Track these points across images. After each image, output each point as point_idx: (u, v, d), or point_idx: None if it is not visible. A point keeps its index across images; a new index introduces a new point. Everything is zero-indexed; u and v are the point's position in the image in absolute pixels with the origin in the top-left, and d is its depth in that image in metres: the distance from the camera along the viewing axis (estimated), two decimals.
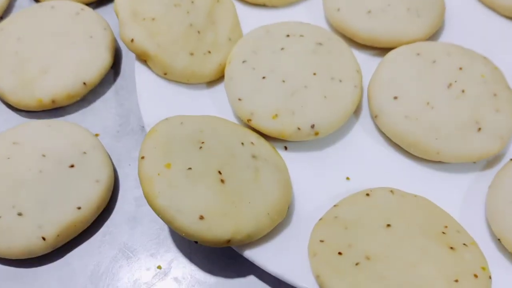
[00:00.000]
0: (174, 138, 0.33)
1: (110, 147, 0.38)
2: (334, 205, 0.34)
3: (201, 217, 0.30)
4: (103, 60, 0.39)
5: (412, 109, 0.36)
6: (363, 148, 0.37)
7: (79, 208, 0.34)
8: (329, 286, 0.30)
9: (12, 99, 0.38)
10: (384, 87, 0.37)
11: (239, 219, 0.31)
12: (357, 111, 0.38)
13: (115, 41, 0.41)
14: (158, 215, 0.30)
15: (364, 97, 0.39)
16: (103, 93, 0.41)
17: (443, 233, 0.32)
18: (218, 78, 0.40)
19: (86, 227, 0.34)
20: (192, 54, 0.38)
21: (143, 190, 0.31)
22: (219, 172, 0.32)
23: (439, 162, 0.36)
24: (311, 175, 0.36)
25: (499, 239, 0.32)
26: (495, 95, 0.36)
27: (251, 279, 0.33)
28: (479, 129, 0.35)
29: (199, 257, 0.34)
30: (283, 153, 0.36)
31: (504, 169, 0.35)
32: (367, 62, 0.40)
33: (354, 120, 0.38)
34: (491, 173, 0.36)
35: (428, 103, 0.36)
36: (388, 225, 0.32)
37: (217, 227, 0.30)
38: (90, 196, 0.34)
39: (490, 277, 0.30)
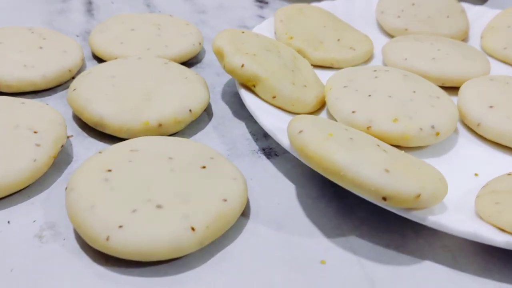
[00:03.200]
0: (321, 121, 0.32)
1: None
2: (482, 187, 0.33)
3: (387, 170, 0.28)
4: (203, 93, 0.39)
5: (510, 111, 0.38)
6: (474, 153, 0.38)
7: (225, 200, 0.29)
8: None
9: (114, 124, 0.35)
10: (477, 100, 0.40)
11: (420, 176, 0.29)
12: None
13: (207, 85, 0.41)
14: (339, 173, 0.27)
15: None
16: (202, 128, 0.39)
17: None
18: (315, 111, 0.40)
19: (232, 223, 0.29)
20: (293, 84, 0.39)
21: (311, 155, 0.28)
22: (378, 145, 0.31)
23: None
24: None
25: None
26: None
27: (427, 265, 0.29)
28: None
29: (363, 248, 0.30)
30: None
31: None
32: None
33: (453, 134, 0.40)
34: None
35: None
36: None
37: (405, 180, 0.28)
38: (233, 189, 0.30)
39: None
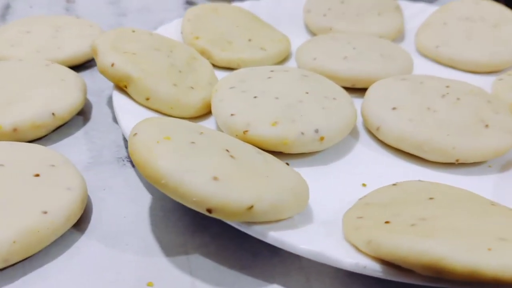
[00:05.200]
0: (170, 122, 0.28)
1: None
2: (360, 199, 0.29)
3: (215, 178, 0.24)
4: (75, 96, 0.36)
5: (415, 113, 0.34)
6: (369, 161, 0.34)
7: (45, 212, 0.26)
8: (388, 244, 0.23)
9: None
10: (380, 102, 0.36)
11: (260, 185, 0.25)
12: (352, 132, 0.36)
13: (86, 89, 0.38)
14: (160, 181, 0.24)
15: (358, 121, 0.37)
16: (72, 133, 0.35)
17: (493, 205, 0.27)
18: (202, 115, 0.37)
19: (53, 239, 0.26)
20: (175, 85, 0.36)
21: (137, 161, 0.25)
22: (227, 150, 0.27)
23: (453, 164, 0.33)
24: (320, 186, 0.31)
25: None
26: (489, 101, 0.36)
27: None
28: (486, 125, 0.34)
29: (203, 269, 0.26)
30: None
31: None
32: None
33: (352, 139, 0.36)
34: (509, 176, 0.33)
35: (428, 108, 0.35)
36: (431, 198, 0.27)
37: (236, 189, 0.24)
38: (60, 201, 0.27)
39: None
